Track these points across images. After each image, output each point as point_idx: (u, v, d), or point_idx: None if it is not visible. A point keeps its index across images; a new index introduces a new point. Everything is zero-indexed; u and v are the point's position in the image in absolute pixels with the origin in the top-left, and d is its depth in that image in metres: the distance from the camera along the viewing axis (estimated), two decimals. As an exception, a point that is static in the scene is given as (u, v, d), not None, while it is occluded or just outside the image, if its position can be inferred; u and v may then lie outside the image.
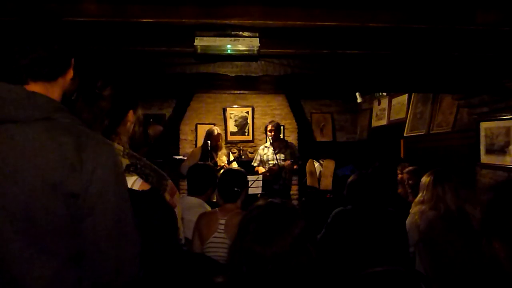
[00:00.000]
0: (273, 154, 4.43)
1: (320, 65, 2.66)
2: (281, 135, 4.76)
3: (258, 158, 4.61)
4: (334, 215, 2.30)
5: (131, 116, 1.26)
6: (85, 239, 0.87)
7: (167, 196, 1.18)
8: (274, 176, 4.31)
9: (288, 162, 4.32)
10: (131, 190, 1.03)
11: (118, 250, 0.90)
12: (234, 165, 4.25)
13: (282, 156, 4.43)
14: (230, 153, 4.64)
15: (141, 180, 1.12)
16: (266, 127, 4.57)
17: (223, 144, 4.42)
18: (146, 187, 1.12)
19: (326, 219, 2.33)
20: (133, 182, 1.13)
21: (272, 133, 4.42)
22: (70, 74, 0.99)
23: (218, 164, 4.11)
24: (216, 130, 4.27)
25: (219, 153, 4.24)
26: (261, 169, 4.50)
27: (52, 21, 0.95)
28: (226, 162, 4.20)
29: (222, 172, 2.36)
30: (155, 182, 1.15)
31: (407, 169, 3.20)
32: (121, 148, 1.13)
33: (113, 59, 2.44)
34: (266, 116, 5.81)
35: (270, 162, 4.47)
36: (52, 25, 0.94)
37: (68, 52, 0.97)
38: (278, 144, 4.48)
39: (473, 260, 1.91)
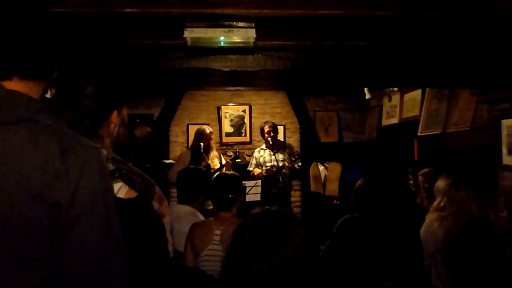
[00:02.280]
0: (270, 155, 4.50)
1: (324, 58, 2.66)
2: (280, 136, 4.85)
3: (254, 161, 4.68)
4: (339, 224, 2.30)
5: (115, 117, 1.27)
6: (67, 254, 0.87)
7: (155, 205, 1.19)
8: (271, 177, 4.36)
9: (287, 163, 4.36)
10: (117, 198, 1.04)
11: (104, 266, 0.89)
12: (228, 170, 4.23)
13: (280, 156, 4.50)
14: (222, 155, 4.70)
15: (127, 187, 1.14)
16: (262, 129, 4.64)
17: (214, 145, 4.48)
18: (133, 194, 1.13)
19: (332, 229, 2.34)
20: (118, 189, 1.13)
21: (271, 134, 4.49)
22: (55, 73, 0.99)
23: (212, 167, 4.13)
24: (208, 128, 4.33)
25: (211, 154, 4.29)
26: (257, 170, 4.55)
27: (39, 13, 0.95)
28: (219, 165, 4.23)
29: (215, 178, 2.38)
30: (142, 189, 1.16)
31: (422, 172, 3.19)
32: (105, 152, 1.14)
33: (96, 54, 2.44)
34: (265, 115, 5.84)
35: (267, 164, 4.53)
36: (45, 18, 0.94)
37: (59, 49, 0.97)
38: (276, 145, 4.55)
39: (499, 272, 1.88)
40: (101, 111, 1.21)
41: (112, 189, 0.99)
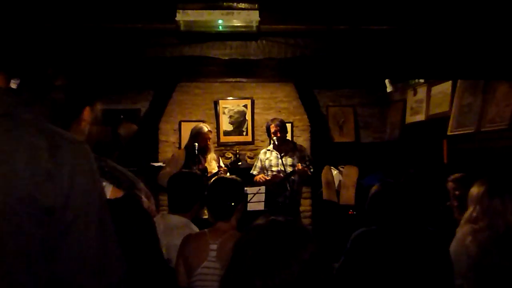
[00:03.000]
0: (277, 158, 4.48)
1: (338, 45, 2.67)
2: (288, 135, 4.84)
3: (259, 164, 4.68)
4: (354, 238, 2.29)
5: (87, 114, 1.28)
6: (61, 265, 0.88)
7: (145, 202, 1.24)
8: (277, 185, 4.34)
9: (300, 166, 4.33)
10: None
11: (101, 276, 0.91)
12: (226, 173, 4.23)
13: (289, 160, 4.48)
14: (220, 158, 4.69)
15: (111, 186, 1.18)
16: (268, 127, 4.62)
17: (212, 146, 4.46)
18: (119, 193, 1.18)
19: (346, 242, 2.33)
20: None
21: (278, 134, 4.46)
22: (17, 62, 1.02)
23: (209, 171, 4.15)
24: (206, 127, 4.34)
25: (209, 156, 4.29)
26: (263, 177, 4.53)
27: None
28: (217, 169, 4.23)
29: (212, 182, 2.38)
30: (128, 187, 1.21)
31: (452, 177, 3.19)
32: None
33: (71, 40, 2.45)
34: (270, 111, 5.83)
35: (273, 169, 4.52)
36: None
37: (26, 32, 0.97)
38: (285, 147, 4.53)
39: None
40: (72, 107, 1.22)
41: (103, 188, 1.02)
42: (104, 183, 1.16)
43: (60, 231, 0.87)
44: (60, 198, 0.86)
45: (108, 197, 1.15)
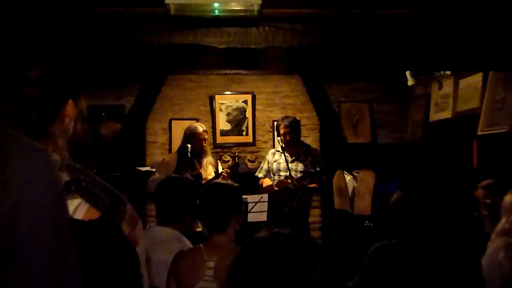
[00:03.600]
0: (287, 162, 4.36)
1: (352, 31, 2.67)
2: (300, 136, 4.73)
3: (266, 166, 4.64)
4: (372, 253, 2.27)
5: (70, 108, 1.27)
6: None
7: (126, 228, 1.20)
8: (283, 192, 4.32)
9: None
10: (72, 220, 1.03)
11: None
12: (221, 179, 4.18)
13: (299, 166, 4.43)
14: (219, 162, 4.66)
15: (87, 205, 1.14)
16: (277, 127, 4.54)
17: (209, 148, 4.42)
18: (95, 215, 1.14)
19: (362, 259, 2.30)
20: (76, 207, 1.14)
21: (288, 137, 4.40)
22: None
23: (204, 177, 4.14)
24: (201, 126, 4.33)
25: (205, 160, 4.27)
26: (267, 182, 4.51)
27: None
28: (213, 174, 4.21)
29: (205, 189, 2.36)
30: (108, 207, 1.17)
31: (483, 183, 3.19)
32: (58, 157, 1.13)
33: (47, 26, 2.44)
34: (273, 108, 5.80)
35: (281, 174, 4.48)
36: None
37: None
38: (297, 150, 4.50)
39: None
40: (51, 101, 1.21)
41: (66, 207, 0.98)
42: (79, 201, 1.14)
43: (4, 254, 0.83)
44: (4, 218, 0.82)
45: (81, 218, 1.12)
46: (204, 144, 4.29)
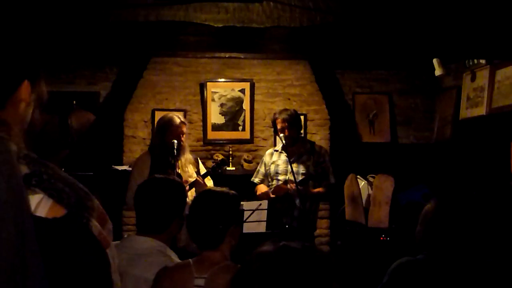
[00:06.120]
0: (286, 163, 4.28)
1: (371, 10, 2.65)
2: (302, 132, 4.66)
3: (262, 169, 4.55)
4: (395, 270, 2.31)
5: (25, 91, 1.21)
6: None
7: (96, 227, 1.17)
8: (282, 199, 4.23)
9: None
10: (35, 217, 1.03)
11: None
12: (209, 183, 4.14)
13: (301, 168, 4.30)
14: (199, 161, 4.47)
15: (51, 201, 1.11)
16: (274, 121, 4.43)
17: (187, 144, 4.27)
18: (59, 212, 1.11)
19: (378, 277, 2.37)
20: (37, 203, 1.10)
21: (286, 132, 4.26)
22: None
23: (184, 179, 3.97)
24: (178, 118, 4.20)
25: (182, 159, 4.12)
26: (263, 188, 4.42)
27: None
28: (195, 176, 4.09)
29: (195, 198, 2.38)
30: (74, 203, 1.13)
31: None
32: (14, 147, 1.08)
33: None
34: (275, 99, 5.71)
35: (280, 177, 4.36)
36: None
37: None
38: (297, 148, 4.37)
39: None
40: (3, 82, 1.15)
41: (28, 203, 1.01)
42: (41, 196, 1.10)
43: None
44: None
45: (43, 215, 1.09)
46: (182, 138, 4.11)
